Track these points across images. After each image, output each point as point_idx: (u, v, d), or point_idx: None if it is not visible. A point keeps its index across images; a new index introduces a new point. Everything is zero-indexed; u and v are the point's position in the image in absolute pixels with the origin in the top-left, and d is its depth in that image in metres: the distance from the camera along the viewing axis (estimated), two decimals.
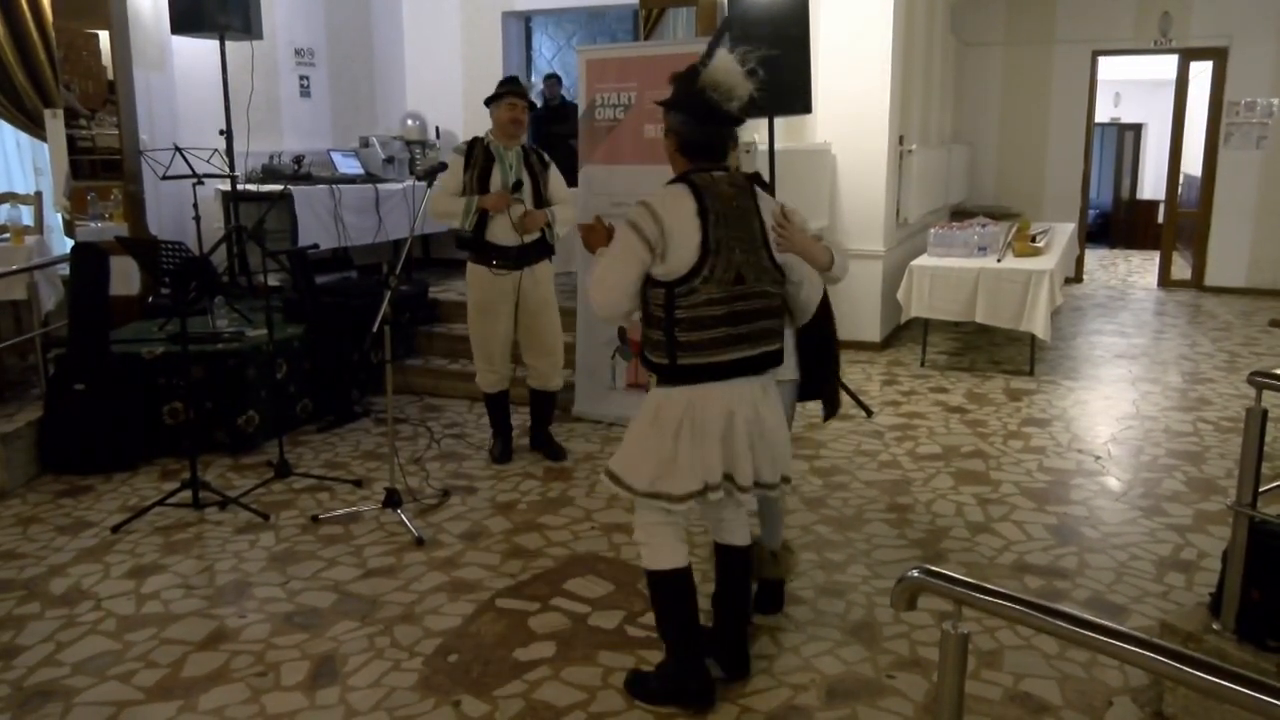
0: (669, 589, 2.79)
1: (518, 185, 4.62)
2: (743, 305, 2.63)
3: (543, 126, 9.68)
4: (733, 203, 2.64)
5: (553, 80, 9.62)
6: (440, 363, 6.37)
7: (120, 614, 3.39)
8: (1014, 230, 7.22)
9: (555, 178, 4.84)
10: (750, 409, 2.69)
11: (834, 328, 3.27)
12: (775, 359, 2.77)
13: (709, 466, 2.66)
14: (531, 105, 4.80)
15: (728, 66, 2.65)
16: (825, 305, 3.12)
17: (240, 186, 6.29)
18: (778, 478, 2.81)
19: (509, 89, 4.68)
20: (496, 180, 4.63)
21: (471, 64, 8.58)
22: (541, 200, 4.74)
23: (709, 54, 2.77)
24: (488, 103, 4.71)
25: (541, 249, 4.80)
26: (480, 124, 4.80)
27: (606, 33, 10.94)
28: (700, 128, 2.68)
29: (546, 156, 4.88)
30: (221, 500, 4.33)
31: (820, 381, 3.25)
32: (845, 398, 5.82)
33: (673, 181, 2.70)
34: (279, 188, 6.33)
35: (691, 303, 2.58)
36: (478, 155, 4.66)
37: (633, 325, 5.41)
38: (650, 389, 2.82)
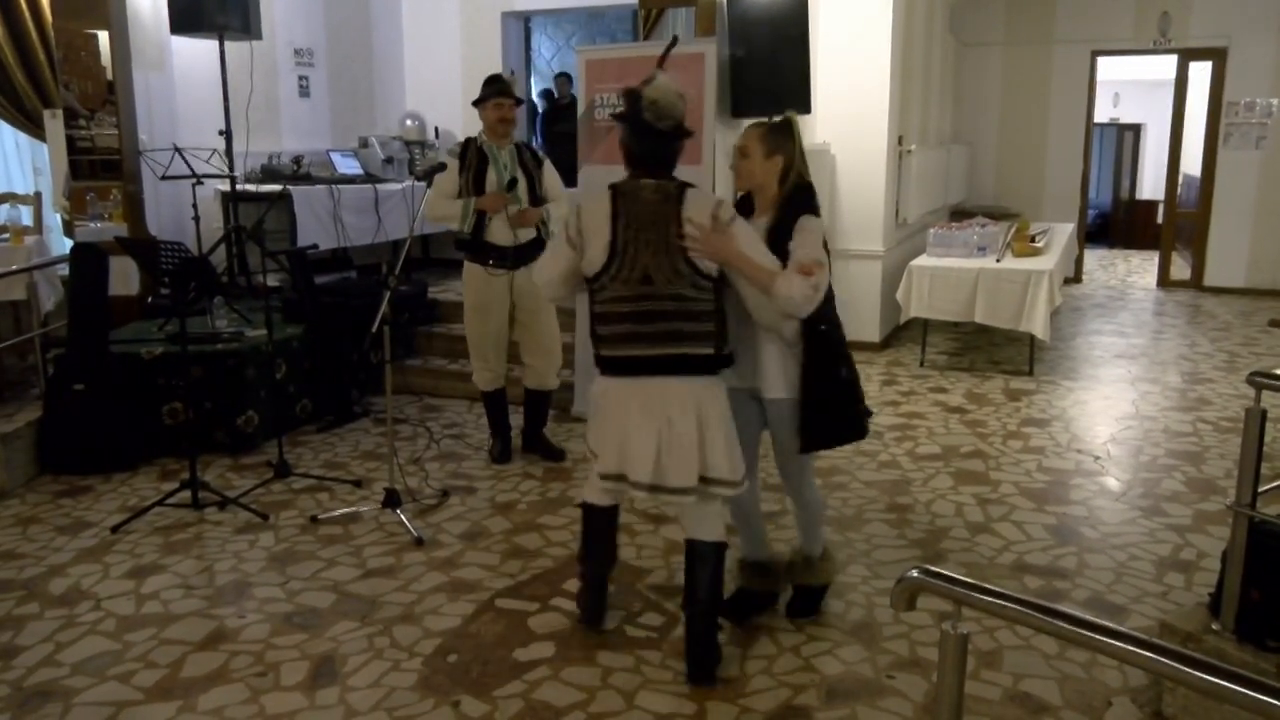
0: (585, 519, 3.21)
1: (513, 184, 4.62)
2: (650, 305, 2.79)
3: (550, 125, 9.76)
4: (650, 208, 2.81)
5: (563, 79, 9.73)
6: (439, 363, 6.37)
7: (120, 614, 3.39)
8: (1013, 230, 7.23)
9: (550, 174, 4.84)
10: (659, 408, 2.80)
11: (826, 347, 2.98)
12: (694, 362, 2.82)
13: (602, 460, 2.93)
14: (519, 102, 4.80)
15: (664, 87, 2.87)
16: (807, 324, 2.92)
17: (239, 187, 6.29)
18: (689, 482, 2.81)
19: (495, 89, 4.67)
20: (492, 181, 4.63)
21: (471, 64, 8.56)
22: (537, 198, 4.74)
23: (664, 56, 2.93)
24: (475, 104, 4.72)
25: (538, 248, 4.79)
26: (479, 124, 4.80)
27: (606, 33, 10.95)
28: (639, 141, 2.87)
29: (540, 153, 4.89)
30: (221, 500, 4.33)
31: (804, 406, 3.01)
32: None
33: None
34: (278, 188, 6.33)
35: (603, 298, 2.85)
36: (472, 156, 4.67)
37: None
38: None
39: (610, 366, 2.89)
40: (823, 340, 2.96)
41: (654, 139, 2.85)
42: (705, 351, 2.83)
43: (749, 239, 2.84)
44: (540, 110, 10.33)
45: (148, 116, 6.27)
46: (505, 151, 4.68)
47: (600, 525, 3.18)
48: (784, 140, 2.98)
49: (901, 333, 7.75)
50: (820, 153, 6.97)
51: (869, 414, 3.12)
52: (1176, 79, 10.13)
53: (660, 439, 2.80)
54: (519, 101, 4.80)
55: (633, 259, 2.79)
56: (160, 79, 6.52)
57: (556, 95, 9.94)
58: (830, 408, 3.00)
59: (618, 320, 2.83)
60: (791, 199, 2.98)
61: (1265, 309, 8.78)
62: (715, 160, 5.26)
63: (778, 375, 3.02)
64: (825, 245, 2.93)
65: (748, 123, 2.98)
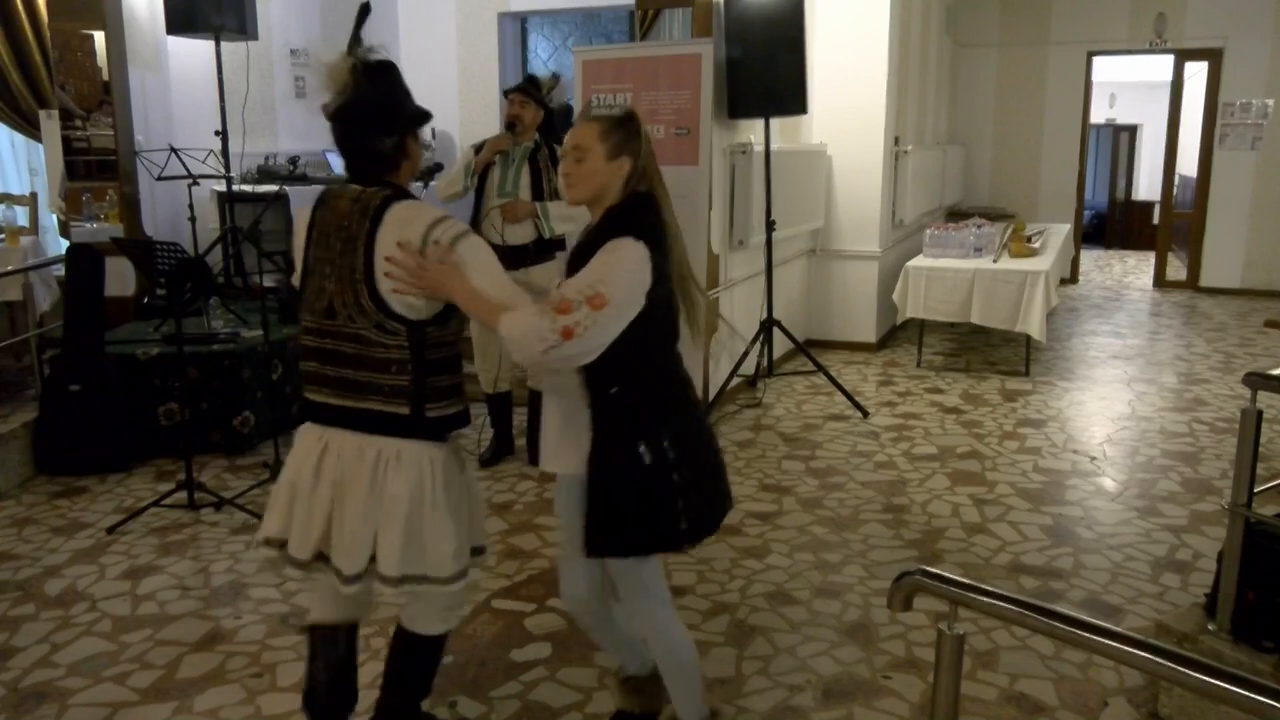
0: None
1: (511, 126, 4.65)
2: (330, 344, 2.22)
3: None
4: (342, 223, 2.20)
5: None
6: None
7: (115, 615, 3.39)
8: (1009, 231, 7.24)
9: None
10: (336, 470, 2.23)
11: (619, 415, 2.21)
12: (377, 421, 2.20)
13: (267, 524, 2.33)
14: (542, 106, 4.75)
15: (331, 64, 2.36)
16: (589, 382, 2.20)
17: (235, 187, 6.28)
18: (353, 569, 2.20)
19: (515, 86, 4.75)
20: (494, 174, 4.65)
21: (467, 65, 8.56)
22: (543, 197, 4.66)
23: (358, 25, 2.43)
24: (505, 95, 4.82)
25: (536, 249, 4.73)
26: (476, 124, 4.79)
27: (602, 33, 10.94)
28: (333, 132, 2.31)
29: (560, 152, 4.80)
30: (217, 501, 4.32)
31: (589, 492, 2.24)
32: (834, 404, 5.82)
33: None
34: (274, 188, 6.32)
35: (301, 327, 2.32)
36: (488, 147, 4.69)
37: None
38: None
39: (303, 410, 2.33)
40: (612, 405, 2.20)
41: (338, 129, 2.29)
42: (398, 410, 2.19)
43: (482, 265, 2.19)
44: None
45: (143, 117, 6.25)
46: (519, 148, 4.68)
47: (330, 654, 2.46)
48: (631, 138, 2.25)
49: (898, 333, 7.76)
50: (816, 154, 6.99)
51: (703, 523, 2.29)
52: (1173, 80, 10.15)
53: (334, 505, 2.23)
54: (542, 106, 4.76)
55: (319, 285, 2.23)
56: (156, 79, 6.50)
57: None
58: (617, 498, 2.20)
59: (305, 355, 2.29)
60: (618, 213, 2.24)
61: (1261, 309, 8.80)
62: (713, 162, 5.26)
63: (557, 443, 2.32)
64: (654, 278, 2.16)
65: (593, 114, 2.28)
